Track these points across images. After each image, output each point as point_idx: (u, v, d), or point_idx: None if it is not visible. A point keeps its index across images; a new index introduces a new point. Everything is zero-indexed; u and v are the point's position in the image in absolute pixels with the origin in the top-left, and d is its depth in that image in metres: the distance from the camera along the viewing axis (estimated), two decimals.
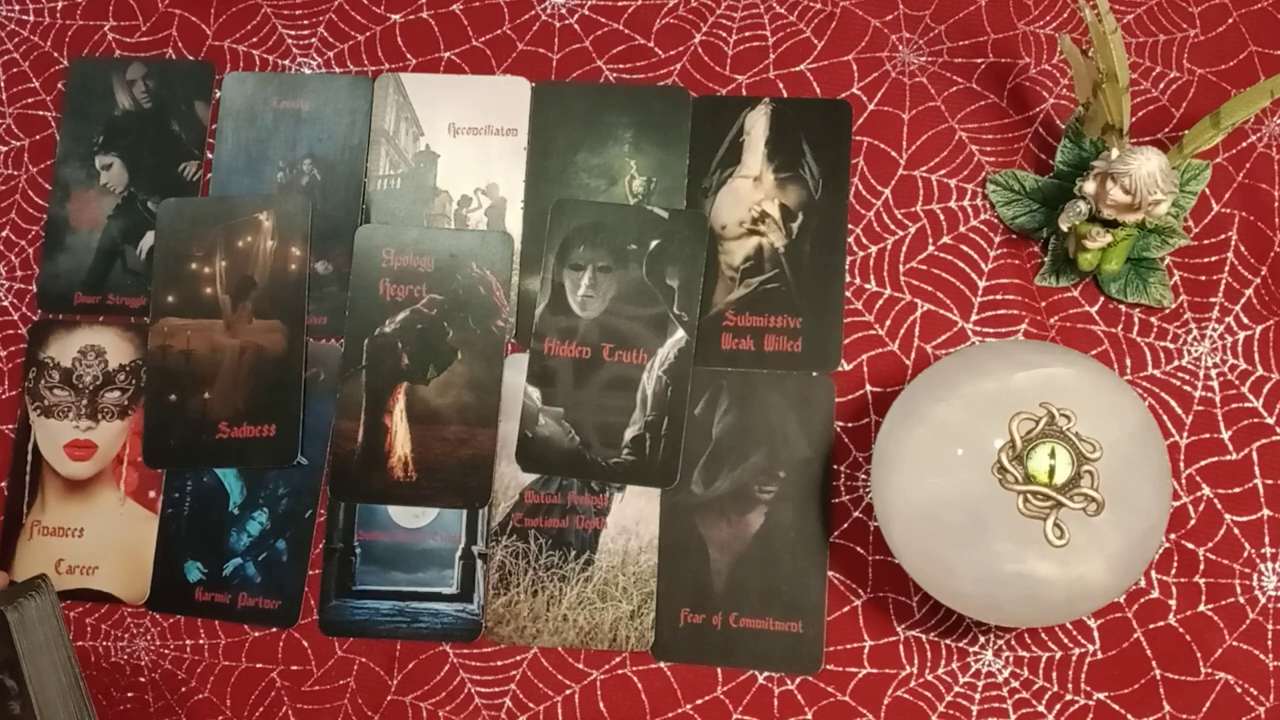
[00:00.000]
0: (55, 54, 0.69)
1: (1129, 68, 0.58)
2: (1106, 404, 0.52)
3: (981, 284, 0.63)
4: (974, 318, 0.62)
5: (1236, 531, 0.59)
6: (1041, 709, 0.59)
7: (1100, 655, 0.59)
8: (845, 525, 0.61)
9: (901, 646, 0.60)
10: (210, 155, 0.67)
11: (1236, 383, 0.61)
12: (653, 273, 0.63)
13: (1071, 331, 0.62)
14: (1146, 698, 0.58)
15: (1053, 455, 0.50)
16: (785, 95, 0.65)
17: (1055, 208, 0.60)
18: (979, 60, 0.65)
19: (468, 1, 0.68)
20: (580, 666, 0.61)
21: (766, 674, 0.60)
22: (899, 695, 0.59)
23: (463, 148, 0.66)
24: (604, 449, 0.62)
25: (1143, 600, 0.59)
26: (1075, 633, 0.59)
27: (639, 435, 0.62)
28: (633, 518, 0.62)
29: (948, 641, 0.59)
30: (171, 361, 0.64)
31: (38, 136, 0.68)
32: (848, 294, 0.63)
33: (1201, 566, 0.59)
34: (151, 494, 0.64)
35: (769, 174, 0.64)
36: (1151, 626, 0.59)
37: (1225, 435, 0.60)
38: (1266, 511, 0.59)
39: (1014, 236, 0.63)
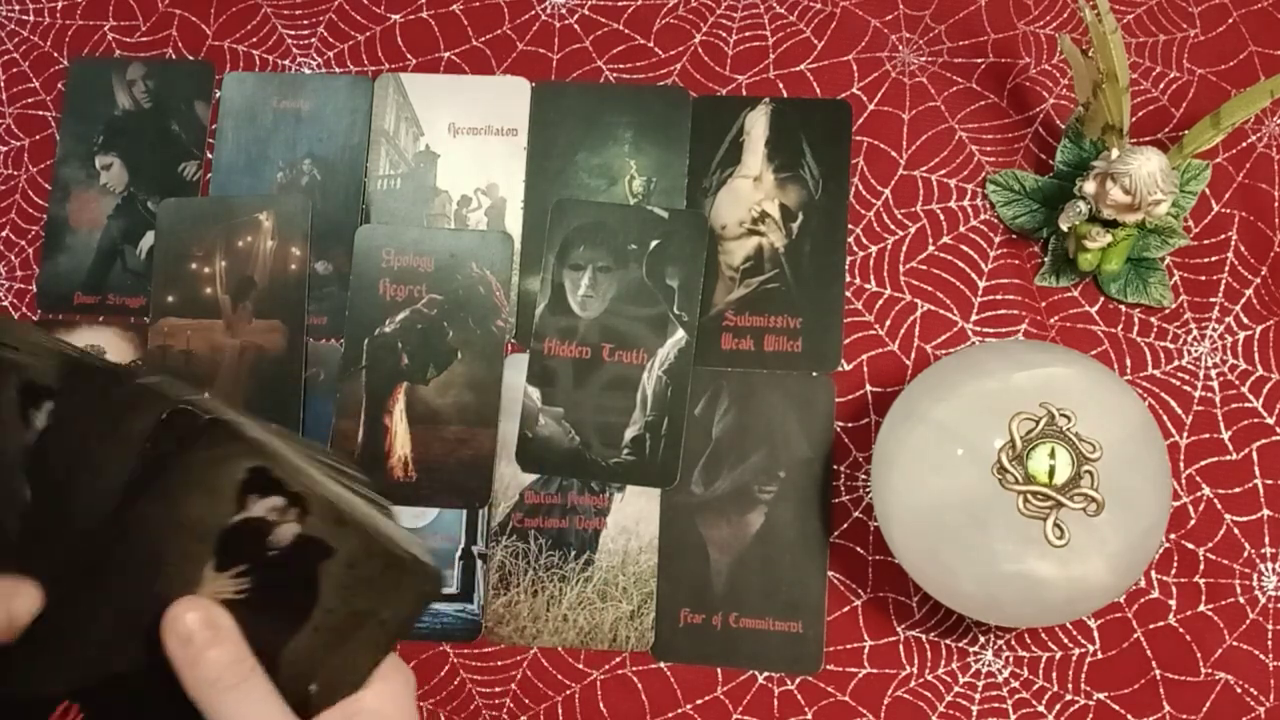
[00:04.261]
0: (55, 54, 0.69)
1: (1129, 68, 0.58)
2: (1106, 404, 0.52)
3: (981, 284, 0.63)
4: (974, 318, 0.62)
5: (1236, 531, 0.59)
6: (1041, 709, 0.59)
7: (1100, 655, 0.59)
8: (845, 525, 0.61)
9: (901, 646, 0.60)
10: (210, 155, 0.67)
11: (1236, 383, 0.61)
12: (653, 273, 0.63)
13: (1071, 331, 0.62)
14: (1146, 698, 0.58)
15: (1053, 455, 0.50)
16: (785, 95, 0.65)
17: (1055, 208, 0.60)
18: (979, 60, 0.65)
19: (468, 1, 0.68)
20: (580, 666, 0.61)
21: (766, 674, 0.60)
22: (899, 695, 0.59)
23: (463, 148, 0.66)
24: (604, 449, 0.62)
25: (1143, 600, 0.59)
26: (1075, 633, 0.59)
27: (639, 435, 0.62)
28: (633, 518, 0.62)
29: (948, 641, 0.60)
30: (171, 361, 0.64)
31: (38, 136, 0.68)
32: (848, 294, 0.63)
33: (1201, 566, 0.59)
34: None
35: (769, 174, 0.64)
36: (1151, 626, 0.59)
37: (1225, 435, 0.60)
38: (1266, 511, 0.59)
39: (1014, 236, 0.63)
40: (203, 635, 0.37)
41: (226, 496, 0.38)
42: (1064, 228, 0.59)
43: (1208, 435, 0.60)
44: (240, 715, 0.37)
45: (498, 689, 0.61)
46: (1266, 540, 0.59)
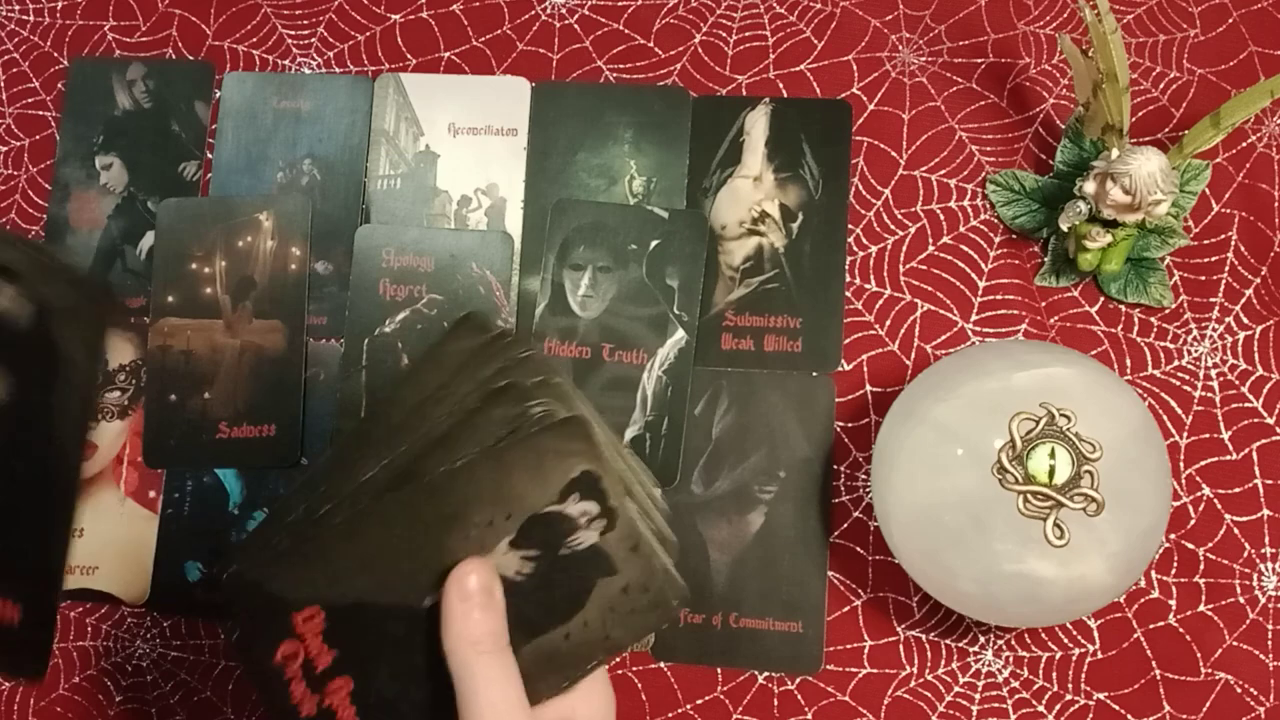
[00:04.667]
0: (55, 54, 0.69)
1: (1129, 68, 0.58)
2: (1106, 404, 0.52)
3: (981, 284, 0.63)
4: (974, 318, 0.62)
5: (1236, 531, 0.59)
6: (1041, 709, 0.59)
7: (1100, 655, 0.59)
8: (845, 525, 0.61)
9: (901, 646, 0.60)
10: (210, 155, 0.67)
11: (1236, 383, 0.61)
12: (653, 273, 0.63)
13: (1071, 331, 0.62)
14: (1146, 698, 0.58)
15: (1053, 455, 0.50)
16: (785, 95, 0.65)
17: (1055, 208, 0.60)
18: (979, 60, 0.65)
19: (468, 1, 0.68)
20: None
21: (766, 674, 0.60)
22: (899, 695, 0.59)
23: (463, 148, 0.66)
24: None
25: (1143, 600, 0.59)
26: (1075, 633, 0.59)
27: (639, 435, 0.62)
28: None
29: (948, 641, 0.60)
30: (171, 361, 0.64)
31: (38, 136, 0.68)
32: (848, 294, 0.63)
33: (1201, 566, 0.59)
34: (151, 494, 0.64)
35: (769, 174, 0.64)
36: (1151, 626, 0.59)
37: (1225, 435, 0.60)
38: (1266, 511, 0.59)
39: (1014, 236, 0.63)
40: (481, 597, 0.39)
41: (553, 487, 0.40)
42: (1064, 228, 0.59)
43: (1208, 435, 0.60)
44: (488, 679, 0.39)
45: None
46: (1266, 540, 0.59)
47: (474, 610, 0.39)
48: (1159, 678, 0.58)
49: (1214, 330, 0.61)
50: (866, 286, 0.63)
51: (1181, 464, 0.60)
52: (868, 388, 0.62)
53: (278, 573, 0.40)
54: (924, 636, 0.60)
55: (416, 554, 0.40)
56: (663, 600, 0.42)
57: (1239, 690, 0.58)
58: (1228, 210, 0.62)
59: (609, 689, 0.43)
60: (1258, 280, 0.62)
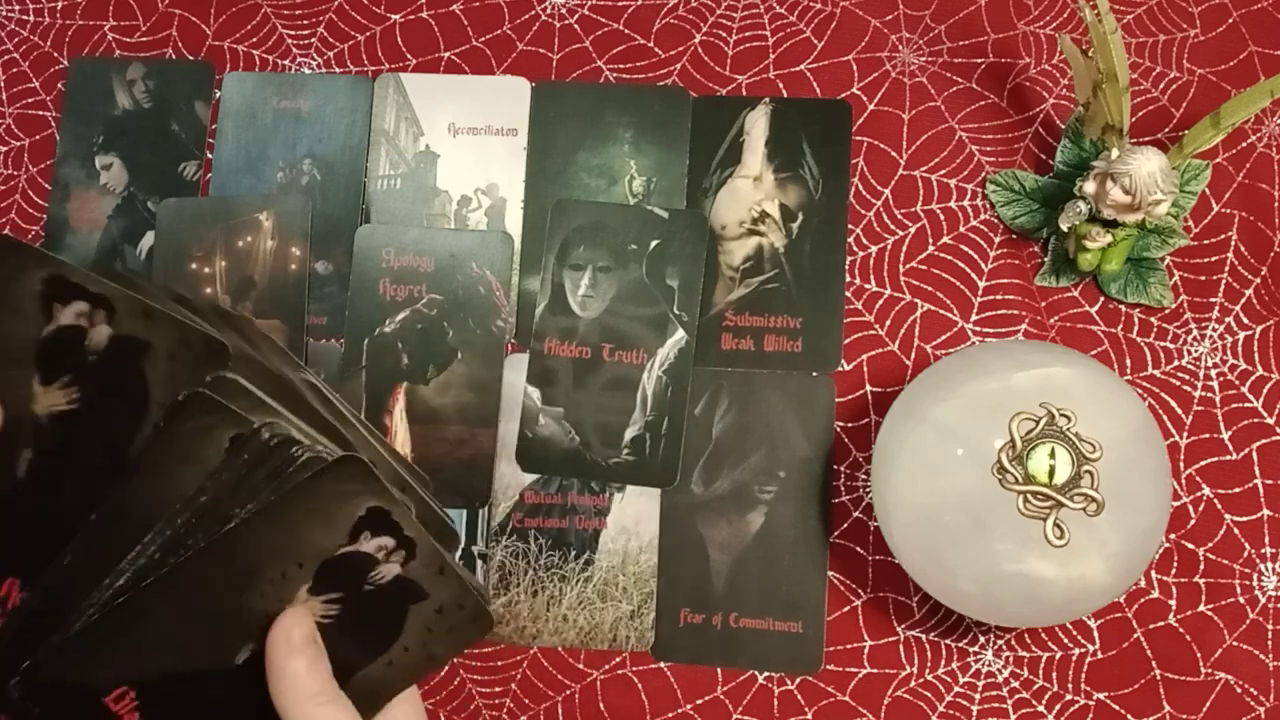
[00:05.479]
0: (55, 54, 0.69)
1: (1129, 68, 0.58)
2: (1106, 404, 0.52)
3: (981, 284, 0.63)
4: (974, 318, 0.62)
5: (1236, 531, 0.59)
6: (1041, 709, 0.59)
7: (1100, 655, 0.59)
8: (845, 525, 0.61)
9: (901, 646, 0.60)
10: (210, 155, 0.67)
11: (1236, 383, 0.61)
12: (653, 273, 0.63)
13: (1071, 331, 0.62)
14: (1146, 698, 0.58)
15: (1053, 455, 0.50)
16: (785, 95, 0.65)
17: (1055, 208, 0.60)
18: (979, 60, 0.65)
19: (468, 1, 0.68)
20: (580, 666, 0.61)
21: (766, 674, 0.60)
22: (899, 695, 0.59)
23: (463, 148, 0.66)
24: (604, 449, 0.62)
25: (1143, 600, 0.59)
26: (1075, 633, 0.59)
27: (639, 435, 0.62)
28: (633, 518, 0.62)
29: (948, 641, 0.60)
30: None
31: (38, 136, 0.68)
32: (848, 294, 0.63)
33: (1201, 566, 0.59)
34: None
35: (769, 174, 0.64)
36: (1151, 626, 0.59)
37: (1225, 435, 0.60)
38: (1266, 511, 0.59)
39: (1014, 236, 0.63)
40: (309, 649, 0.39)
41: (341, 529, 0.40)
42: (1064, 228, 0.59)
43: (1208, 435, 0.60)
44: None
45: (498, 689, 0.61)
46: (1266, 540, 0.59)
47: (305, 663, 0.39)
48: (1159, 678, 0.58)
49: (1214, 330, 0.61)
50: (866, 286, 0.63)
51: (1181, 464, 0.60)
52: (868, 388, 0.62)
53: (76, 663, 0.39)
54: (924, 636, 0.60)
55: (215, 618, 0.39)
56: (480, 612, 0.42)
57: (1239, 690, 0.58)
58: (1228, 210, 0.62)
59: (415, 698, 0.44)
60: (1258, 280, 0.62)
